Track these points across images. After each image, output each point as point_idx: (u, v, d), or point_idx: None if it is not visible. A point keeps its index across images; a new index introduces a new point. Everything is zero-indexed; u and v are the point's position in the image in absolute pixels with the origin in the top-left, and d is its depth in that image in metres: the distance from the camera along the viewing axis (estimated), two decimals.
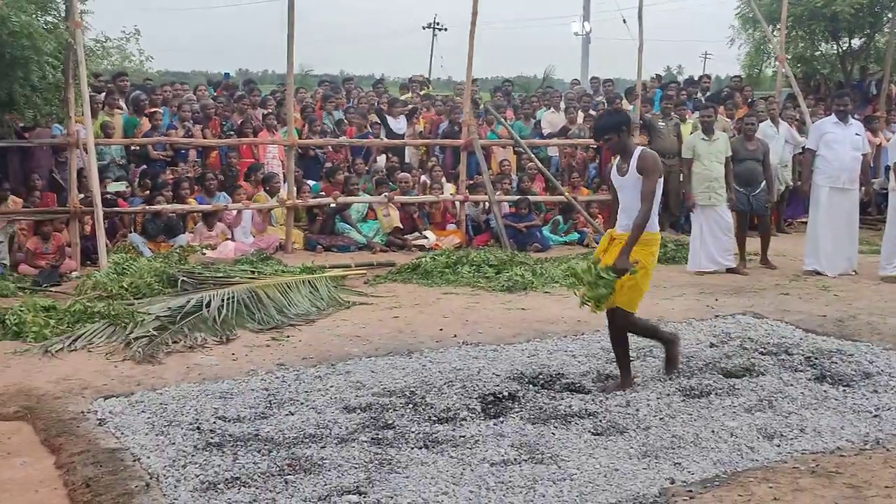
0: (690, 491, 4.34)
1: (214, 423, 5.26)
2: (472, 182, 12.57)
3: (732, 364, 6.48)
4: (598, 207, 13.08)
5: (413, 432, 5.09)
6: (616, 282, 5.73)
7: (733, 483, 4.43)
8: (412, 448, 4.85)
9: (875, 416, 5.40)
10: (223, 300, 7.93)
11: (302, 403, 5.63)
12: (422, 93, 16.36)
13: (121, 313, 7.50)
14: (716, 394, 5.81)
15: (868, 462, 4.67)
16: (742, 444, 4.93)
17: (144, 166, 11.81)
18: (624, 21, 24.92)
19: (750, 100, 15.48)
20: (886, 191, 10.52)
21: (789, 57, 17.57)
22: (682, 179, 11.79)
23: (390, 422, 5.27)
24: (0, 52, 8.60)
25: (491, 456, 4.74)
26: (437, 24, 53.28)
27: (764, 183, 10.84)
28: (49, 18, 9.82)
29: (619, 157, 5.97)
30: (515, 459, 4.70)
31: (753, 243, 11.08)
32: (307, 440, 4.97)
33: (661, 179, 5.85)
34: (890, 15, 17.37)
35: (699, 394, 5.82)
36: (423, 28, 53.94)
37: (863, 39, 18.90)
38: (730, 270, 10.40)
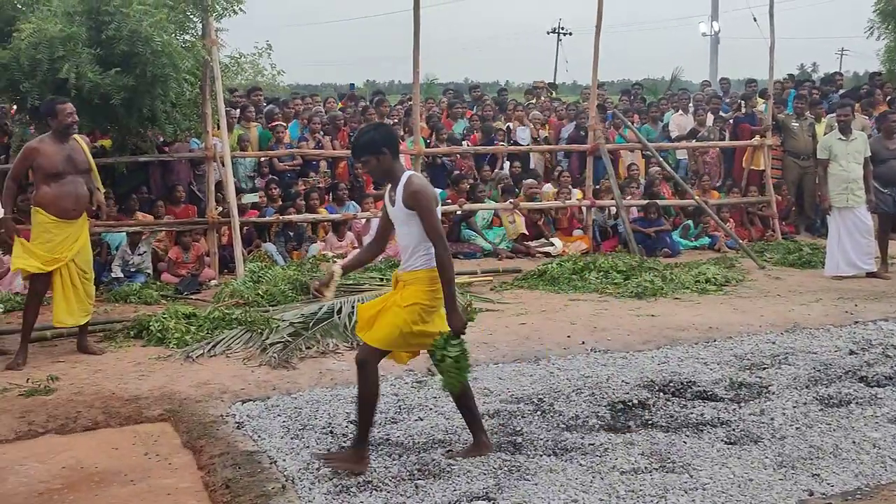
0: (830, 503, 4.20)
1: (347, 427, 5.38)
2: (598, 187, 12.47)
3: (874, 372, 6.23)
4: (728, 211, 12.78)
5: (542, 439, 5.09)
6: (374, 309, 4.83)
7: (876, 496, 4.27)
8: (541, 455, 4.85)
9: None
10: (353, 307, 8.09)
11: (431, 409, 5.70)
12: (551, 96, 16.34)
13: (257, 320, 7.75)
14: (857, 403, 5.60)
15: None
16: (886, 455, 4.74)
17: (272, 177, 12.16)
18: (755, 19, 24.26)
19: (890, 97, 14.82)
20: None
21: None
22: (817, 181, 11.39)
23: (518, 428, 5.28)
24: (143, 70, 9.02)
25: (621, 464, 4.69)
26: (562, 28, 53.13)
27: None
28: (187, 37, 10.23)
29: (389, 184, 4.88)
30: (646, 468, 4.64)
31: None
32: (436, 445, 5.03)
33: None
34: None
35: (839, 403, 5.62)
36: (548, 33, 53.88)
37: None
38: (870, 275, 9.99)
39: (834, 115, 12.46)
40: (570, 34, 53.58)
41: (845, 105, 11.08)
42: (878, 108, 13.65)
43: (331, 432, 5.29)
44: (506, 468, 4.66)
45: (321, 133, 13.02)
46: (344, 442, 5.09)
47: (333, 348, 7.29)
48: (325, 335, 7.52)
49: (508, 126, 13.99)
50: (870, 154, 10.17)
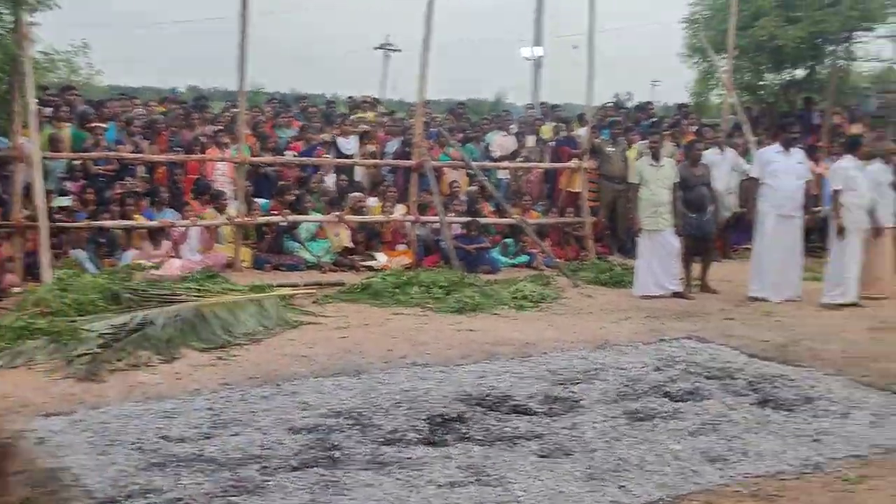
0: None
1: (157, 442, 5.18)
2: (422, 202, 12.59)
3: (677, 388, 6.56)
4: (546, 230, 13.19)
5: (359, 454, 5.07)
6: None
7: None
8: (358, 469, 4.83)
9: (815, 440, 5.49)
10: (168, 318, 7.83)
11: (247, 424, 5.57)
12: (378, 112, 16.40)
13: (63, 330, 7.37)
14: (661, 417, 5.87)
15: (808, 486, 4.75)
16: (686, 467, 4.98)
17: (85, 181, 11.62)
18: (575, 47, 25.26)
19: (696, 127, 15.72)
20: None
21: (738, 85, 17.93)
22: (628, 204, 11.93)
23: (336, 443, 5.23)
24: None
25: (437, 478, 4.73)
26: (390, 45, 53.43)
27: (712, 208, 11.02)
28: None
29: None
30: (462, 481, 4.69)
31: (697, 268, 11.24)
32: (251, 461, 4.92)
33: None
34: (831, 47, 17.83)
35: (644, 417, 5.87)
36: (376, 49, 54.04)
37: (806, 70, 19.37)
38: (676, 295, 10.52)
39: (645, 141, 13.13)
40: (399, 51, 53.93)
41: (656, 133, 11.68)
42: (686, 137, 14.44)
43: (140, 448, 5.08)
44: (322, 483, 4.61)
45: (140, 136, 12.57)
46: (153, 459, 4.90)
47: (146, 361, 7.02)
48: (137, 347, 7.24)
49: (334, 137, 13.92)
50: (678, 180, 10.73)
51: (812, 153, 14.60)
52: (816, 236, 13.80)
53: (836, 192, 10.24)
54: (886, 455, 5.24)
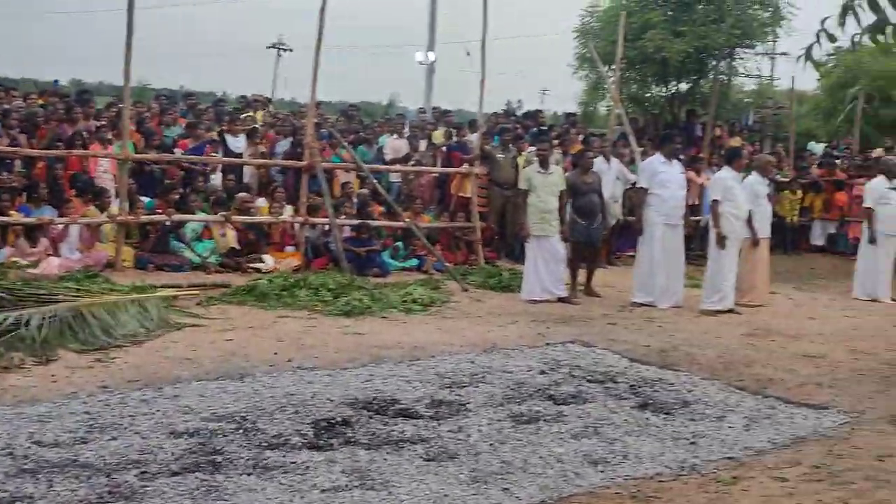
0: None
1: (29, 448, 4.98)
2: (311, 204, 12.47)
3: (561, 391, 6.66)
4: (437, 234, 13.25)
5: (242, 458, 4.98)
6: None
7: None
8: (241, 474, 4.74)
9: (692, 442, 5.65)
10: (44, 318, 7.54)
11: (126, 428, 5.41)
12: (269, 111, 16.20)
13: None
14: (544, 420, 5.95)
15: (685, 487, 4.88)
16: (568, 469, 5.06)
17: None
18: (468, 54, 25.48)
19: (584, 136, 16.03)
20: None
21: (625, 96, 18.39)
22: (517, 210, 12.08)
23: (219, 447, 5.13)
24: None
25: (322, 482, 4.69)
26: (282, 44, 52.87)
27: (601, 216, 11.25)
28: None
29: None
30: (346, 486, 4.66)
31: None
32: (130, 466, 4.78)
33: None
34: (714, 62, 18.47)
35: (529, 420, 5.94)
36: (268, 48, 53.37)
37: (690, 84, 20.01)
38: (561, 300, 10.69)
39: (534, 149, 13.33)
40: (291, 51, 53.38)
41: (544, 140, 11.86)
42: (574, 146, 14.71)
43: (10, 454, 4.87)
44: (203, 488, 4.51)
45: (18, 130, 12.08)
46: (25, 465, 4.71)
47: (19, 363, 6.75)
48: (9, 349, 6.95)
49: (223, 134, 13.67)
50: (565, 187, 10.92)
51: (694, 164, 15.09)
52: (696, 244, 14.28)
53: (715, 202, 10.60)
54: (758, 456, 5.43)
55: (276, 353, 7.51)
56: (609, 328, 9.28)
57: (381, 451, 5.23)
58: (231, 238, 12.05)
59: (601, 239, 11.51)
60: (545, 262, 10.79)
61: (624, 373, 7.34)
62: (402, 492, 4.61)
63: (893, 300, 12.08)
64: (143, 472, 4.69)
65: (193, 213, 12.00)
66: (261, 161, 13.56)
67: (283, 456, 5.06)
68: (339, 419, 5.74)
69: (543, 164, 11.04)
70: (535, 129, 16.52)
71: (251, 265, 11.77)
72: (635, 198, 11.11)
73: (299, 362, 7.25)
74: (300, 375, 6.83)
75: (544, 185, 10.84)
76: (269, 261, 11.93)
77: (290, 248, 12.51)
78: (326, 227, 12.34)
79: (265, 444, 5.24)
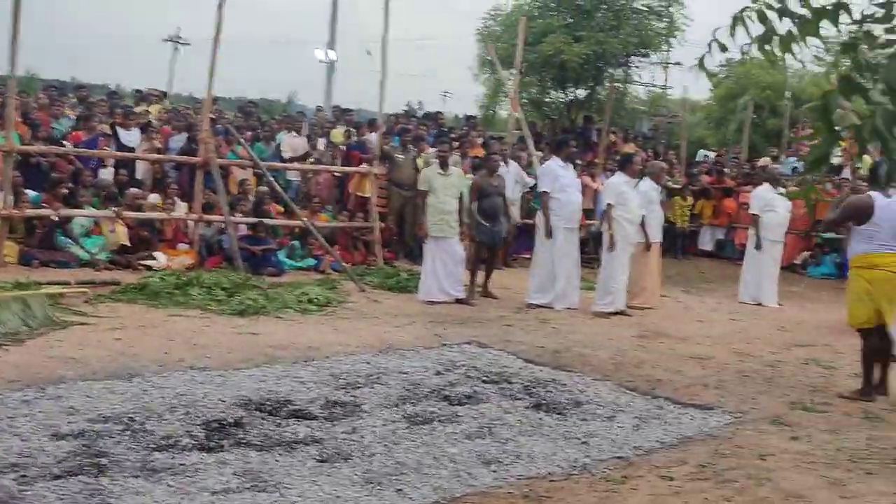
0: None
1: None
2: (206, 201, 12.24)
3: (456, 392, 6.68)
4: (335, 234, 13.16)
5: (129, 460, 4.84)
6: None
7: None
8: (127, 477, 4.61)
9: (583, 442, 5.74)
10: None
11: (4, 430, 5.19)
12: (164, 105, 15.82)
13: None
14: (439, 421, 5.96)
15: (576, 486, 4.95)
16: (462, 469, 5.08)
17: None
18: (369, 53, 25.41)
19: (484, 139, 16.17)
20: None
21: (525, 100, 18.59)
22: (416, 211, 12.10)
23: (104, 450, 4.97)
24: None
25: (212, 485, 4.59)
26: (179, 38, 51.76)
27: (505, 218, 11.35)
28: None
29: None
30: (237, 488, 4.58)
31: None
32: (7, 470, 4.59)
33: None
34: (611, 70, 18.86)
35: (423, 421, 5.94)
36: (164, 41, 52.18)
37: (587, 90, 20.40)
38: (459, 301, 10.75)
39: (434, 150, 13.38)
40: (188, 45, 52.29)
41: (444, 142, 11.91)
42: (473, 149, 14.83)
43: None
44: (87, 492, 4.36)
45: None
46: None
47: None
48: None
49: (115, 128, 13.29)
50: (465, 189, 10.98)
51: (589, 169, 15.38)
52: (590, 248, 14.54)
53: (609, 206, 10.82)
54: (647, 456, 5.55)
55: (166, 353, 7.33)
56: (505, 329, 9.36)
57: (274, 452, 5.15)
58: (122, 234, 11.72)
59: (503, 241, 11.62)
60: (443, 263, 10.83)
61: (518, 373, 7.41)
62: (294, 493, 4.55)
63: (780, 304, 12.52)
64: (22, 476, 4.51)
65: (83, 208, 11.63)
66: (155, 156, 13.22)
67: (172, 458, 4.94)
68: (230, 420, 5.64)
69: (443, 165, 11.08)
70: (435, 130, 16.57)
71: (142, 263, 11.48)
72: (543, 203, 11.13)
73: (191, 362, 7.10)
74: (191, 376, 6.68)
75: (444, 186, 10.88)
76: (161, 258, 11.65)
77: (183, 246, 12.25)
78: (221, 225, 12.12)
79: (153, 446, 5.10)
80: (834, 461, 5.51)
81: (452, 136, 15.38)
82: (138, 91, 18.01)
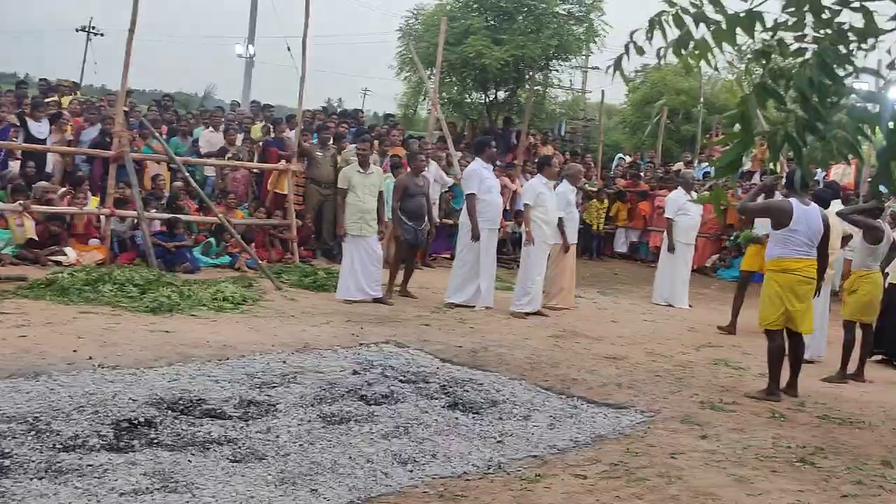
0: None
1: None
2: (119, 196, 11.95)
3: (373, 391, 6.66)
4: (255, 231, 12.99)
5: (33, 462, 4.68)
6: None
7: None
8: (31, 479, 4.46)
9: (499, 441, 5.78)
10: None
11: None
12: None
13: None
14: (355, 420, 5.93)
15: (490, 485, 4.98)
16: (378, 469, 5.06)
17: None
18: (288, 49, 25.20)
19: (403, 139, 16.15)
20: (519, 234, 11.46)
21: (445, 101, 18.62)
22: (336, 209, 12.00)
23: (7, 450, 4.81)
24: None
25: (121, 486, 4.48)
26: (93, 27, 50.54)
27: (428, 218, 11.34)
28: None
29: None
30: (147, 488, 4.48)
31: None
32: None
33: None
34: (531, 73, 19.02)
35: (339, 420, 5.91)
36: (77, 31, 50.88)
37: (507, 93, 20.55)
38: (377, 300, 10.71)
39: (353, 148, 13.34)
40: (102, 35, 51.04)
41: (365, 140, 11.86)
42: (394, 148, 14.79)
43: None
44: None
45: None
46: None
47: None
48: None
49: (24, 119, 12.90)
50: (385, 188, 10.97)
51: (508, 170, 15.49)
52: (508, 248, 14.67)
53: (527, 206, 10.93)
54: (561, 455, 5.62)
55: (75, 351, 7.13)
56: (423, 329, 9.37)
57: (186, 452, 5.06)
58: (29, 229, 11.35)
59: (425, 241, 11.63)
60: (362, 261, 10.78)
61: (436, 373, 7.42)
62: (207, 494, 4.48)
63: (690, 306, 12.80)
64: None
65: None
66: (66, 149, 12.87)
67: (80, 458, 4.80)
68: (141, 420, 5.51)
69: (363, 164, 11.03)
70: (355, 128, 16.49)
71: (51, 258, 11.15)
72: (471, 205, 11.11)
73: (100, 360, 6.92)
74: (101, 374, 6.51)
75: (364, 185, 10.85)
76: (71, 254, 11.34)
77: (94, 241, 11.93)
78: (135, 221, 11.85)
79: (60, 447, 4.96)
80: (741, 459, 5.65)
81: (372, 134, 15.32)
82: (43, 80, 17.40)
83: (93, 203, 12.11)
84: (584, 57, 25.14)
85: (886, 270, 9.83)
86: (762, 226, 10.24)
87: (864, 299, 8.76)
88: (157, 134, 13.10)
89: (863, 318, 8.84)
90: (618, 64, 3.03)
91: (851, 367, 8.75)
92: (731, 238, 16.78)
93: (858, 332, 8.88)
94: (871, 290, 8.76)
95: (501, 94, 20.65)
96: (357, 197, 10.81)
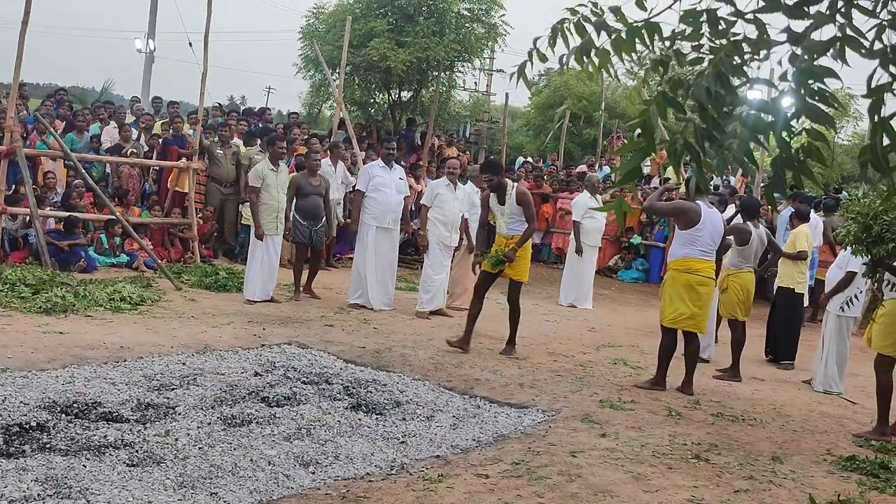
0: None
1: None
2: (11, 193, 11.53)
3: (275, 393, 6.60)
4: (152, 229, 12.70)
5: None
6: None
7: None
8: None
9: (402, 442, 5.79)
10: None
11: None
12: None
13: None
14: (257, 422, 5.87)
15: (393, 486, 4.98)
16: (279, 472, 5.01)
17: None
18: (190, 45, 24.73)
19: (306, 137, 16.00)
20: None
21: (350, 101, 18.53)
22: (237, 208, 11.84)
23: None
24: None
25: (11, 492, 4.34)
26: None
27: (325, 218, 11.25)
28: None
29: None
30: (39, 495, 4.35)
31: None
32: None
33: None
34: (435, 73, 19.08)
35: (240, 423, 5.84)
36: None
37: (411, 93, 20.57)
38: (273, 300, 10.60)
39: (256, 146, 13.20)
40: None
41: (283, 139, 11.76)
42: (298, 147, 14.65)
43: None
44: None
45: None
46: None
47: None
48: None
49: None
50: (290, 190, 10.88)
51: (414, 171, 15.52)
52: (412, 249, 14.69)
53: (423, 207, 10.99)
54: (463, 454, 5.66)
55: None
56: (326, 330, 9.31)
57: (80, 457, 4.92)
58: None
59: (323, 241, 11.53)
60: (269, 261, 10.68)
61: (339, 374, 7.39)
62: (102, 500, 4.37)
63: (591, 307, 13.04)
64: None
65: None
66: None
67: None
68: (33, 424, 5.35)
69: (275, 162, 10.88)
70: (261, 125, 16.28)
71: None
72: (354, 201, 11.24)
73: None
74: None
75: (277, 183, 10.76)
76: None
77: None
78: (27, 218, 11.46)
79: None
80: (638, 457, 5.79)
81: (279, 132, 15.13)
82: None
83: None
84: (487, 59, 25.36)
85: (773, 272, 10.26)
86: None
87: (733, 297, 9.13)
88: (52, 130, 12.69)
89: (734, 314, 9.19)
90: (521, 70, 3.07)
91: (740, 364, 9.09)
92: (630, 241, 17.21)
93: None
94: (738, 289, 9.12)
95: (405, 95, 20.67)
96: (271, 196, 10.69)
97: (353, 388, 6.98)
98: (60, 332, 7.92)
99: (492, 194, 9.01)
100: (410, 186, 13.61)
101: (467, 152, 20.66)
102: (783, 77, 2.65)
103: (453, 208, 11.00)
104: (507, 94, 22.75)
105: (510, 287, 8.98)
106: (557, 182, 19.15)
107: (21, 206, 11.43)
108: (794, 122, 2.65)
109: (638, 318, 11.30)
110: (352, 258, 12.36)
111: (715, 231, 7.95)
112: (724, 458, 5.98)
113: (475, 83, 27.20)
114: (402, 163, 13.23)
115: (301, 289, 11.12)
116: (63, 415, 5.63)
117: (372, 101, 20.82)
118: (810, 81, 2.61)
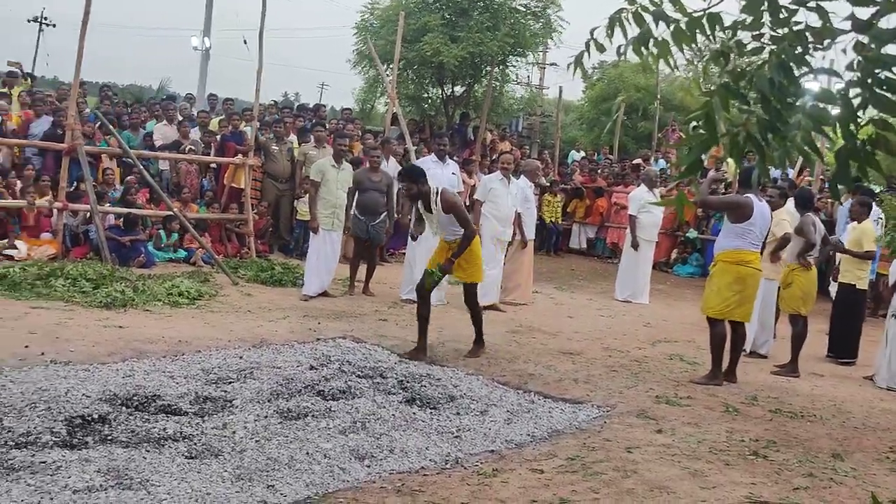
0: None
1: None
2: (72, 190, 11.76)
3: (330, 386, 6.64)
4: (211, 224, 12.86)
5: None
6: None
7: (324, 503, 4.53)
8: None
9: (456, 436, 5.79)
10: None
11: None
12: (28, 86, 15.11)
13: None
14: (312, 416, 5.91)
15: (448, 480, 4.99)
16: (335, 465, 5.04)
17: None
18: (245, 42, 24.94)
19: (360, 133, 16.08)
20: None
21: (403, 96, 18.57)
22: (293, 203, 11.91)
23: None
24: None
25: (74, 483, 4.42)
26: (45, 18, 49.69)
27: (385, 214, 11.28)
28: None
29: None
30: (101, 486, 4.42)
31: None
32: None
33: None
34: (488, 68, 19.04)
35: (296, 416, 5.88)
36: (29, 21, 49.97)
37: (464, 88, 20.56)
38: (324, 294, 10.66)
39: (310, 143, 13.28)
40: (54, 26, 50.19)
41: (345, 135, 11.84)
42: (355, 143, 14.72)
43: None
44: None
45: None
46: None
47: None
48: None
49: None
50: (352, 184, 10.94)
51: (466, 166, 15.51)
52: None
53: (476, 202, 10.97)
54: (518, 449, 5.64)
55: (27, 346, 7.01)
56: (380, 324, 9.35)
57: (141, 448, 5.00)
58: None
59: (382, 237, 11.55)
60: (326, 256, 10.74)
61: (393, 368, 7.42)
62: (162, 490, 4.43)
63: (647, 302, 12.93)
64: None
65: None
66: (14, 141, 12.63)
67: (32, 455, 4.73)
68: (95, 416, 5.45)
69: (338, 158, 10.94)
70: (317, 122, 16.39)
71: (2, 252, 10.96)
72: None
73: (53, 356, 6.81)
74: (54, 370, 6.42)
75: (337, 179, 10.81)
76: (22, 248, 11.15)
77: (46, 235, 11.74)
78: (87, 215, 11.68)
79: (12, 444, 4.88)
80: (695, 453, 5.72)
81: (337, 129, 15.22)
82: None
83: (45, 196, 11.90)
84: (541, 53, 25.24)
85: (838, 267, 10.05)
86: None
87: (797, 292, 9.00)
88: (112, 129, 12.91)
89: (797, 310, 9.03)
90: (578, 60, 3.04)
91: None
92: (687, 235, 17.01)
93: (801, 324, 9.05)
94: (803, 283, 9.01)
95: (458, 90, 20.67)
96: (329, 191, 10.75)
97: (408, 382, 6.99)
98: (120, 327, 8.06)
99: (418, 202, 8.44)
100: (463, 181, 13.61)
101: (523, 147, 20.58)
102: (850, 67, 2.59)
103: (507, 203, 10.97)
104: (560, 87, 22.66)
105: (464, 290, 8.45)
106: (612, 176, 19.01)
107: (82, 202, 11.66)
108: (859, 113, 2.58)
109: (694, 314, 11.13)
110: (404, 253, 12.39)
111: (764, 224, 8.01)
112: (782, 454, 5.88)
113: (528, 77, 27.06)
114: (454, 158, 13.21)
115: (362, 290, 11.13)
116: (123, 407, 5.73)
117: (425, 96, 20.85)
118: (877, 71, 2.54)
